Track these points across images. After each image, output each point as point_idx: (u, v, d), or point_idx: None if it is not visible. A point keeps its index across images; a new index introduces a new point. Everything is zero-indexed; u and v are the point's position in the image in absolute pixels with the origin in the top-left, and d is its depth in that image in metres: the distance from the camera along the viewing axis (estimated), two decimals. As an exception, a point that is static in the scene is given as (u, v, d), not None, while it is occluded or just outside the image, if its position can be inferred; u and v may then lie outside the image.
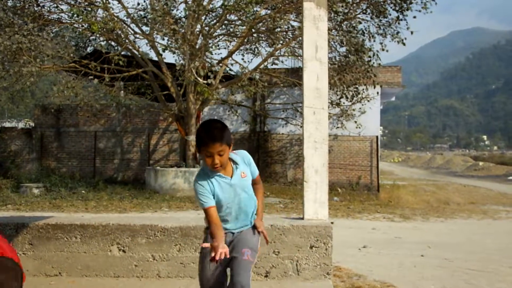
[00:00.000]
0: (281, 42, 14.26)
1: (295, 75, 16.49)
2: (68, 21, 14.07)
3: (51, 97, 15.34)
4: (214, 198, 2.72)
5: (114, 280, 4.61)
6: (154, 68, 14.93)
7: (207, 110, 18.17)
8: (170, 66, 14.77)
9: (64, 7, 14.09)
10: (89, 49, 16.46)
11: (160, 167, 15.60)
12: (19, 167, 18.50)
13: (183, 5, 14.35)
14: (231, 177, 2.77)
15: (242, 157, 2.88)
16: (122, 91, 16.49)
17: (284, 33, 14.29)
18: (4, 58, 13.44)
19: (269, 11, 13.68)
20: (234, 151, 2.86)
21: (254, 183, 2.94)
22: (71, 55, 14.64)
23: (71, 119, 19.22)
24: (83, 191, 14.33)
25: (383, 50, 13.96)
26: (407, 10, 13.18)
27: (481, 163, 40.49)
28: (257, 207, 2.95)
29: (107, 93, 15.76)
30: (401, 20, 13.46)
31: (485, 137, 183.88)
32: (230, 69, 16.46)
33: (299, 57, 15.14)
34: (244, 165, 2.86)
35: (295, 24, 14.10)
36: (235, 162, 2.81)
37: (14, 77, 13.68)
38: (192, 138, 14.71)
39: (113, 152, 19.07)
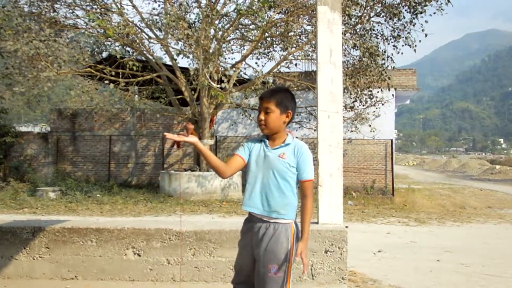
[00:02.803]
0: (294, 46, 14.26)
1: (309, 78, 16.47)
2: (84, 27, 14.23)
3: (67, 101, 15.50)
4: (248, 156, 2.82)
5: (129, 283, 4.64)
6: (168, 73, 15.02)
7: (220, 114, 18.22)
8: (184, 70, 14.86)
9: (80, 12, 14.27)
10: (104, 54, 16.61)
11: (174, 171, 15.66)
12: (35, 170, 18.71)
13: (196, 10, 14.45)
14: (272, 148, 2.78)
15: (296, 145, 2.79)
16: (136, 96, 16.61)
17: (298, 37, 14.29)
18: (22, 63, 13.62)
19: (282, 15, 13.69)
20: (296, 137, 2.87)
21: (301, 190, 2.76)
22: (87, 60, 14.79)
23: (86, 123, 19.40)
24: (98, 195, 14.44)
25: (398, 53, 13.89)
26: (421, 13, 13.09)
27: (497, 167, 39.92)
28: (301, 227, 2.72)
29: (122, 98, 15.89)
30: (415, 23, 13.38)
31: (501, 140, 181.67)
32: (244, 73, 16.51)
33: (313, 61, 15.12)
34: (291, 153, 2.76)
35: (308, 28, 14.10)
36: (286, 142, 2.79)
37: (31, 82, 13.85)
38: (206, 141, 14.76)
39: (128, 156, 19.20)
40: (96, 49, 16.67)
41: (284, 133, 2.82)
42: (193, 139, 2.70)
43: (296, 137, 2.88)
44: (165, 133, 2.64)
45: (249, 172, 2.80)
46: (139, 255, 4.70)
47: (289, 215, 2.73)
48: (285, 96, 2.80)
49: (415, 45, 13.35)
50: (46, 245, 4.84)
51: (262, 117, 2.77)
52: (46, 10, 13.83)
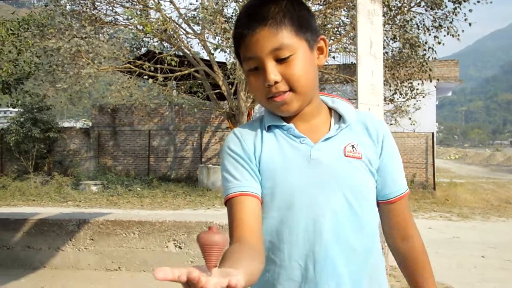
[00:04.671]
0: (332, 38, 14.09)
1: (347, 71, 16.25)
2: (123, 23, 14.50)
3: (108, 97, 15.86)
4: (256, 179, 1.16)
5: (170, 275, 4.71)
6: (205, 67, 15.13)
7: (257, 107, 18.24)
8: (221, 65, 14.92)
9: (119, 9, 14.55)
10: (143, 50, 16.88)
11: (212, 165, 15.80)
12: (78, 165, 19.25)
13: (233, 4, 14.49)
14: (318, 142, 1.18)
15: (367, 121, 1.24)
16: (174, 90, 16.82)
17: (335, 29, 14.11)
18: (64, 60, 14.01)
19: (320, 7, 13.54)
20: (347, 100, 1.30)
21: (393, 220, 1.25)
22: (126, 56, 15.06)
23: (126, 118, 19.80)
24: (138, 188, 14.73)
25: (439, 43, 13.51)
26: (465, 1, 12.68)
27: (544, 160, 38.43)
28: None
29: (160, 93, 16.12)
30: (458, 13, 12.97)
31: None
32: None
33: (351, 53, 14.90)
34: (368, 139, 1.21)
35: (346, 20, 13.89)
36: (340, 117, 1.22)
37: (73, 79, 14.24)
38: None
39: (167, 150, 19.49)
40: (135, 45, 16.97)
41: (319, 99, 1.26)
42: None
43: None
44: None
45: (271, 210, 1.16)
46: (180, 247, 4.76)
47: None
48: (302, 8, 1.18)
49: (458, 35, 12.96)
50: (91, 237, 4.97)
51: (272, 75, 1.11)
52: (87, 7, 14.16)
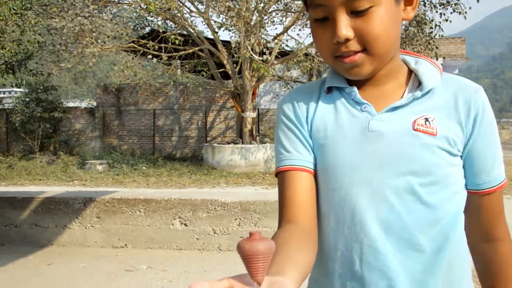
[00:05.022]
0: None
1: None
2: (126, 2, 14.37)
3: (112, 77, 15.83)
4: (309, 150, 1.01)
5: (176, 252, 4.76)
6: (210, 46, 15.03)
7: (262, 86, 18.16)
8: (226, 43, 14.82)
9: (122, -12, 14.40)
10: (147, 29, 16.77)
11: (217, 144, 15.82)
12: (83, 144, 19.33)
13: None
14: (384, 111, 0.97)
15: (458, 87, 0.98)
16: (179, 70, 16.75)
17: None
18: (68, 40, 13.95)
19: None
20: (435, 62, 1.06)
21: (480, 215, 1.02)
22: (130, 35, 14.97)
23: (131, 98, 19.79)
24: (143, 168, 14.80)
25: (446, 21, 13.34)
26: (472, -23, 12.47)
27: (551, 139, 38.26)
28: None
29: (165, 72, 16.06)
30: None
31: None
32: (286, 45, 16.31)
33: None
34: (454, 113, 0.96)
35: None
36: (418, 84, 0.99)
37: (77, 58, 14.19)
38: (248, 114, 14.78)
39: (171, 129, 19.51)
40: (139, 24, 16.85)
41: (399, 60, 1.03)
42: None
43: None
44: None
45: (324, 192, 1.01)
46: (185, 225, 4.80)
47: None
48: None
49: (465, 12, 12.78)
50: (97, 215, 5.01)
51: (347, 31, 0.89)
52: (90, -14, 14.03)
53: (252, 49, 12.70)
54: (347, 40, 0.90)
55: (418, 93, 0.96)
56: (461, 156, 0.97)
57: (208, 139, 19.02)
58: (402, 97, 0.97)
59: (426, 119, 0.93)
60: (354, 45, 0.91)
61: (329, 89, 1.02)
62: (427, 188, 0.92)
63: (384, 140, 0.94)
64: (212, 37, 15.25)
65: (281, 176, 0.99)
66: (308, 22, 15.22)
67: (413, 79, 1.00)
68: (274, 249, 0.59)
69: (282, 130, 1.03)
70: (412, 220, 0.93)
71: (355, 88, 0.99)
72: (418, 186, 0.92)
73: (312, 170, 0.99)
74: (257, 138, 15.32)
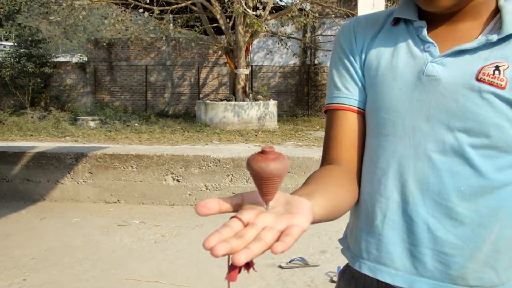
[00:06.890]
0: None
1: (348, 5, 15.81)
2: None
3: (103, 30, 15.50)
4: (361, 86, 0.91)
5: (169, 207, 4.78)
6: (202, 0, 14.69)
7: (256, 42, 17.90)
8: (219, -3, 14.49)
9: None
10: (138, -19, 16.32)
11: (210, 101, 15.72)
12: (75, 100, 19.13)
13: None
14: (444, 53, 0.82)
15: None
16: (171, 24, 16.42)
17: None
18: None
19: None
20: None
21: None
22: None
23: (122, 53, 19.46)
24: (136, 124, 14.73)
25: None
26: None
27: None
28: None
29: (157, 26, 15.75)
30: None
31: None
32: (280, 0, 15.98)
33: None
34: None
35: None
36: (497, 26, 0.81)
37: (66, 11, 13.84)
38: (241, 71, 14.62)
39: (164, 86, 19.32)
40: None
41: None
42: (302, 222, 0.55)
43: None
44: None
45: (371, 140, 0.90)
46: (178, 181, 4.81)
47: None
48: None
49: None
50: (89, 170, 5.00)
51: None
52: None
53: (245, 4, 12.43)
54: None
55: (494, 37, 0.78)
56: None
57: (201, 96, 18.88)
58: (476, 39, 0.81)
59: (497, 67, 0.77)
60: None
61: (396, 21, 0.89)
62: (481, 150, 0.78)
63: (438, 88, 0.80)
64: (205, -10, 14.89)
65: (328, 115, 0.93)
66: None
67: (497, 19, 0.82)
68: (288, 168, 0.54)
69: (335, 63, 0.94)
70: (454, 185, 0.79)
71: (424, 23, 0.85)
72: (469, 146, 0.78)
73: (362, 110, 0.90)
74: (250, 95, 15.21)
